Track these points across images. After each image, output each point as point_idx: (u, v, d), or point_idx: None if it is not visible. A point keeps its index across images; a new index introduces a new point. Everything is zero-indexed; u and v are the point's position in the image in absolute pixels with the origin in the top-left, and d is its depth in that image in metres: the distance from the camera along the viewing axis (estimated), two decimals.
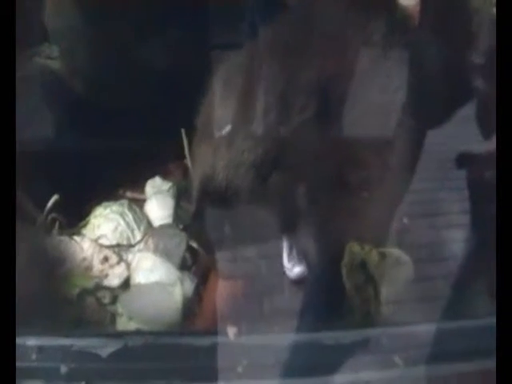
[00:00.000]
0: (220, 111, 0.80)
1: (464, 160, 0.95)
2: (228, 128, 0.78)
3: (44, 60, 1.13)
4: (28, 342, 0.63)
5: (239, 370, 0.64)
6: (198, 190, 0.77)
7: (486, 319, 0.62)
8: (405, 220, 0.84)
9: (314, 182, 0.76)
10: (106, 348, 0.62)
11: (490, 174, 0.85)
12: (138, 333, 0.75)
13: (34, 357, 0.62)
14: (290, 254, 0.87)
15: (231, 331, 0.68)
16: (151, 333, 0.73)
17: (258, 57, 0.82)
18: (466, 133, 0.96)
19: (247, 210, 0.77)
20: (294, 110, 0.75)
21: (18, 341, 0.62)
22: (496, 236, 0.57)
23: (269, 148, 0.74)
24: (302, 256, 0.86)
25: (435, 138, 0.91)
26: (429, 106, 0.89)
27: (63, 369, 0.61)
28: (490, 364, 0.56)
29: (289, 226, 0.80)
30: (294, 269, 0.90)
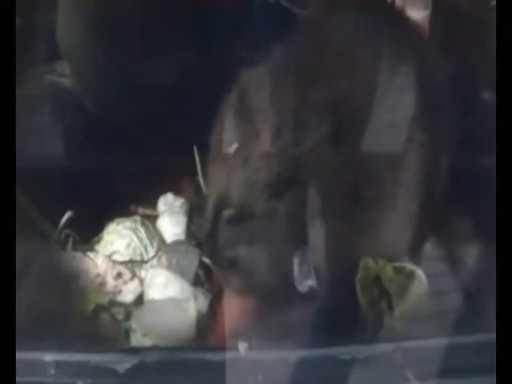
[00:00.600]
0: (233, 130, 0.81)
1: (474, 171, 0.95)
2: (235, 145, 0.78)
3: (56, 78, 1.14)
4: (46, 358, 0.63)
5: None
6: (212, 210, 0.78)
7: None
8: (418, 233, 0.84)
9: (328, 199, 0.76)
10: (123, 363, 0.62)
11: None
12: (154, 348, 0.75)
13: (51, 372, 0.62)
14: (300, 268, 0.87)
15: (242, 346, 0.69)
16: (168, 348, 0.73)
17: (271, 76, 0.83)
18: (475, 145, 0.96)
19: (261, 226, 0.77)
20: (308, 128, 0.76)
21: (36, 356, 0.63)
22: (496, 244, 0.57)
23: (283, 167, 0.75)
24: (312, 270, 0.86)
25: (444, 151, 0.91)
26: (439, 120, 0.90)
27: None
28: None
29: (302, 242, 0.80)
30: (305, 282, 0.90)
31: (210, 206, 0.78)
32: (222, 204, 0.76)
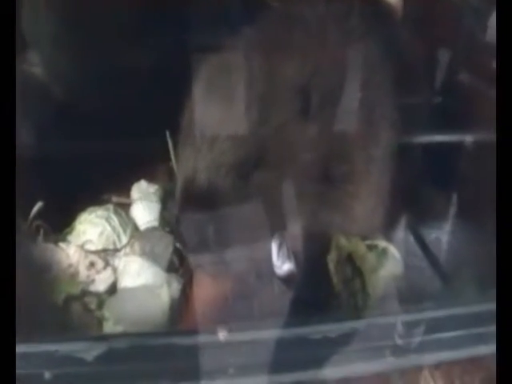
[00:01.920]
0: (202, 112, 0.79)
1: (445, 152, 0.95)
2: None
3: (27, 67, 1.12)
4: None
5: (229, 369, 0.63)
6: (180, 192, 0.77)
7: (474, 307, 0.62)
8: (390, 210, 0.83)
9: (299, 178, 0.75)
10: (90, 351, 0.60)
11: (472, 165, 0.86)
12: (123, 335, 0.74)
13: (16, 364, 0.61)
14: (278, 252, 0.86)
15: (220, 332, 0.68)
16: (136, 334, 0.72)
17: (239, 56, 0.82)
18: (449, 125, 0.96)
19: (232, 210, 0.76)
20: (276, 108, 0.75)
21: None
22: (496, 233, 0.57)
23: (251, 147, 0.74)
24: (290, 253, 0.85)
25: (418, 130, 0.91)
26: (412, 99, 0.90)
27: (47, 375, 0.60)
28: (480, 351, 0.56)
29: (276, 224, 0.79)
30: (283, 266, 0.89)
31: (178, 188, 0.77)
32: (189, 187, 0.75)
